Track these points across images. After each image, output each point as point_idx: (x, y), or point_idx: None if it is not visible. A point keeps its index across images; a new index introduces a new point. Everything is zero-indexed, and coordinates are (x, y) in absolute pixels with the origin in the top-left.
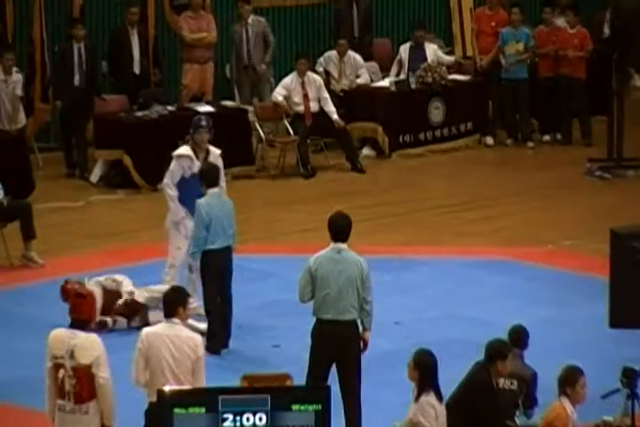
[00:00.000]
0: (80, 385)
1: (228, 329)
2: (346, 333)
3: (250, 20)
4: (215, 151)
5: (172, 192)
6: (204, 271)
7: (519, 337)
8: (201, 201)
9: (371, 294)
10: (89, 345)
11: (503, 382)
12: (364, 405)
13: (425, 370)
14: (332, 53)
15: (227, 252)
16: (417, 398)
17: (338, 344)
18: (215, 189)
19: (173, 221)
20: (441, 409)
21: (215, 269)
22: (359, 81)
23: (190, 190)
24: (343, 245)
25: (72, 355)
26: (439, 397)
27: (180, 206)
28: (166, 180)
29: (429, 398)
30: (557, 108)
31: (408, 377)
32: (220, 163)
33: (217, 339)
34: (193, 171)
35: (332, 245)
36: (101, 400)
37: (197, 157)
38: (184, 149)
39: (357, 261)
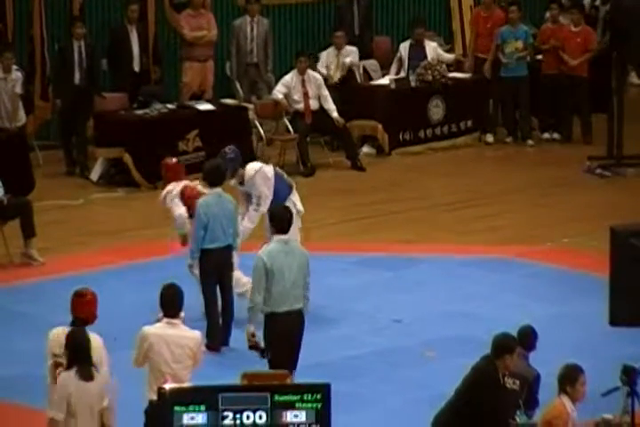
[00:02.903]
0: None
1: (229, 327)
2: (298, 324)
3: (255, 19)
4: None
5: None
6: (202, 270)
7: (527, 338)
8: (199, 201)
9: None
10: None
11: (505, 382)
12: (366, 403)
13: (74, 349)
14: (330, 49)
15: (226, 251)
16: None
17: (292, 336)
18: (217, 189)
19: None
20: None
21: (214, 267)
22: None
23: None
24: (286, 237)
25: None
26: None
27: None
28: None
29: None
30: (558, 106)
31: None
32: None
33: (217, 337)
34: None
35: (276, 237)
36: None
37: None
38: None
39: (301, 248)
